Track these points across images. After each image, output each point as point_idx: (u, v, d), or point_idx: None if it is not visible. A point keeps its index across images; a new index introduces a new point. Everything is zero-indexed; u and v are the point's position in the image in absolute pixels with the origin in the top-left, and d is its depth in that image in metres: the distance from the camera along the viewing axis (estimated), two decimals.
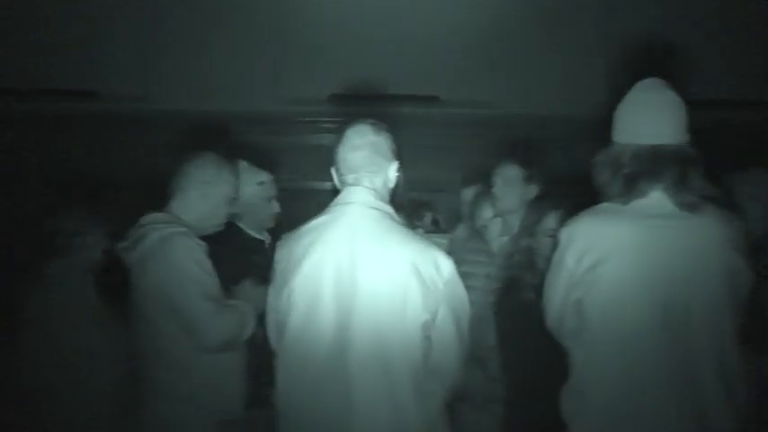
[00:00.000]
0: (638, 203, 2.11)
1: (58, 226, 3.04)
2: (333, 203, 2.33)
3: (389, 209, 2.31)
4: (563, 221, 2.77)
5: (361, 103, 4.99)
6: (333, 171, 2.37)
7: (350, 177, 2.30)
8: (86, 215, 3.09)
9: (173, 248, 2.60)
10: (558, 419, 2.25)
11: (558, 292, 2.20)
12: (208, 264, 2.64)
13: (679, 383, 2.02)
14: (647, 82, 2.20)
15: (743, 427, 2.05)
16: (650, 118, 2.12)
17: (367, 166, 2.29)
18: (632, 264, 2.05)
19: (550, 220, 2.89)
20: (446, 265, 2.23)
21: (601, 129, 4.47)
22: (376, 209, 2.27)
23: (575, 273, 2.13)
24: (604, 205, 2.18)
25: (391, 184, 2.36)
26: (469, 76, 5.14)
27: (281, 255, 2.32)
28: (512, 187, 3.25)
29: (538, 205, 2.98)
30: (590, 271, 2.09)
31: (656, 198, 2.10)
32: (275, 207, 3.16)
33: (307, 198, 3.47)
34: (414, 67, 5.07)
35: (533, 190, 3.25)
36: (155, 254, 2.60)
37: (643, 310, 2.04)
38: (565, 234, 2.19)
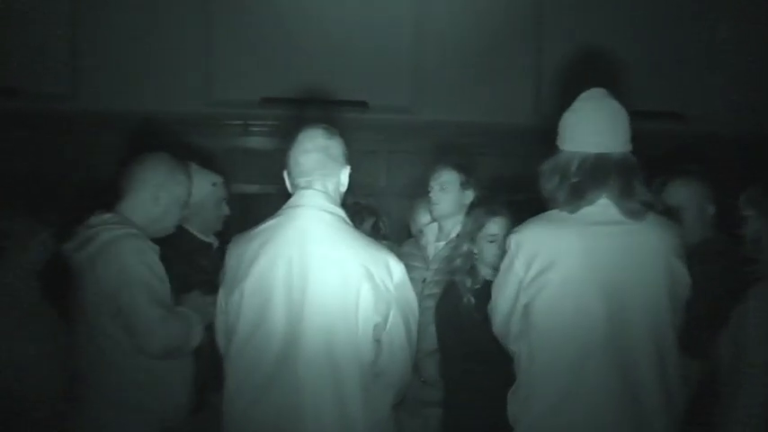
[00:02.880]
0: (585, 211, 2.14)
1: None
2: (284, 206, 2.32)
3: (341, 212, 2.31)
4: (505, 227, 2.83)
5: (292, 107, 5.01)
6: (285, 174, 2.36)
7: (302, 181, 2.30)
8: (27, 215, 3.00)
9: (123, 250, 2.53)
10: (496, 424, 2.29)
11: (507, 298, 2.23)
12: (159, 268, 2.58)
13: (621, 386, 2.07)
14: (593, 92, 2.24)
15: (678, 428, 2.12)
16: (596, 127, 2.17)
17: (319, 169, 2.29)
18: (578, 268, 2.09)
19: (492, 226, 2.93)
20: (397, 269, 2.25)
21: (528, 137, 4.66)
22: (328, 212, 2.27)
23: (524, 278, 2.16)
24: (552, 213, 2.21)
25: (343, 188, 2.37)
26: (398, 82, 5.20)
27: (232, 257, 2.30)
28: (448, 192, 3.28)
29: (479, 211, 3.01)
30: (538, 276, 2.12)
31: (603, 205, 2.14)
32: (225, 209, 3.12)
33: (235, 201, 3.45)
34: (344, 73, 5.09)
35: (469, 195, 3.29)
36: (104, 255, 2.52)
37: (588, 313, 2.08)
38: (514, 240, 2.22)
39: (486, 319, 2.65)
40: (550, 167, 2.22)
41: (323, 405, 2.14)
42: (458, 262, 2.95)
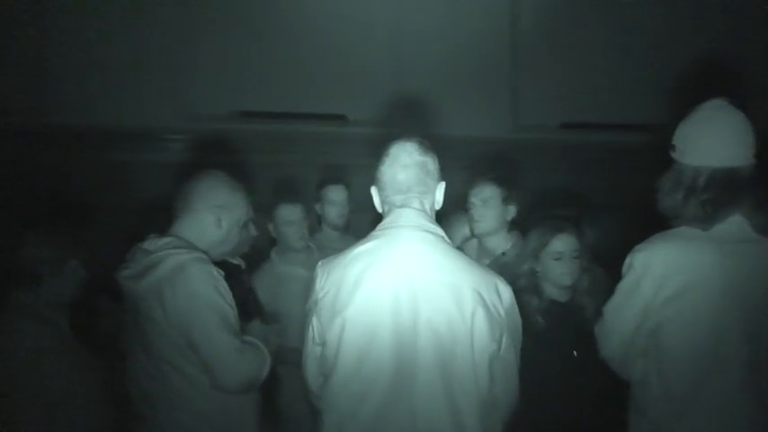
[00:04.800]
0: (719, 229, 2.06)
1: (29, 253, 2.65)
2: (381, 226, 2.17)
3: (442, 232, 2.16)
4: (570, 244, 2.74)
5: (268, 121, 4.95)
6: (374, 191, 2.22)
7: (398, 199, 2.15)
8: (56, 240, 2.69)
9: (194, 277, 2.33)
10: None
11: (629, 320, 2.14)
12: (229, 295, 2.40)
13: (756, 407, 2.01)
14: (717, 102, 2.14)
15: None
16: (725, 140, 2.07)
17: (416, 186, 2.14)
18: (717, 290, 2.01)
19: (557, 243, 2.80)
20: (506, 292, 2.12)
21: (508, 150, 4.65)
22: (431, 232, 2.12)
23: (652, 300, 2.07)
24: (681, 230, 2.12)
25: (438, 206, 2.23)
26: (377, 95, 5.17)
27: (328, 283, 2.10)
28: (491, 208, 3.17)
29: (542, 227, 2.86)
30: (673, 299, 2.04)
31: (737, 223, 2.06)
32: (252, 230, 2.87)
33: None
34: (322, 86, 5.01)
35: (512, 211, 3.19)
36: (172, 282, 2.32)
37: (727, 336, 2.01)
38: (640, 260, 2.12)
39: (556, 341, 2.64)
40: (673, 182, 2.13)
41: None
42: (521, 282, 2.79)
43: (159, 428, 2.38)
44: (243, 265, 2.87)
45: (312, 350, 2.14)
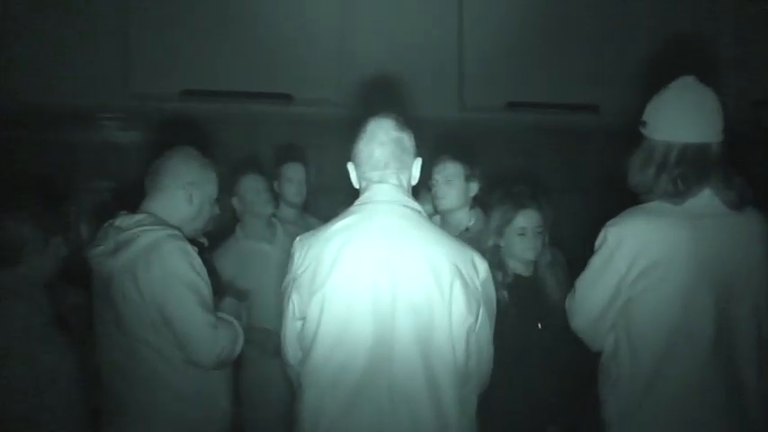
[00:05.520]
0: (691, 203, 2.09)
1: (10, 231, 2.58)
2: (359, 202, 2.18)
3: (420, 207, 2.19)
4: (534, 219, 2.81)
5: (212, 100, 4.86)
6: (351, 167, 2.22)
7: (375, 174, 2.17)
8: (37, 219, 2.62)
9: (168, 253, 2.32)
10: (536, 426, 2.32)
11: (602, 293, 2.15)
12: (203, 271, 2.40)
13: (724, 377, 2.06)
14: (688, 80, 2.18)
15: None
16: (698, 116, 2.11)
17: (393, 162, 2.16)
18: (690, 263, 2.05)
19: (522, 219, 2.85)
20: (482, 266, 2.15)
21: (453, 129, 4.67)
22: (408, 207, 2.14)
23: (626, 274, 2.09)
24: (653, 205, 2.14)
25: (414, 182, 2.25)
26: (323, 74, 5.12)
27: (307, 259, 2.10)
28: (454, 186, 3.20)
29: (506, 204, 2.91)
30: (646, 272, 2.07)
31: (707, 197, 2.10)
32: (215, 209, 2.84)
33: None
34: (268, 65, 4.93)
35: (474, 188, 3.23)
36: (146, 259, 2.31)
37: (699, 308, 2.05)
38: (613, 234, 2.14)
39: (522, 315, 2.69)
40: (643, 158, 2.16)
41: (420, 412, 2.01)
42: (486, 257, 2.77)
43: (135, 406, 2.38)
44: (206, 242, 2.84)
45: (292, 325, 2.14)
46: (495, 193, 3.02)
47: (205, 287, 2.37)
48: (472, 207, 3.28)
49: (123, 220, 2.42)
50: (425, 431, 2.01)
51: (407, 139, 2.19)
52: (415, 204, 2.17)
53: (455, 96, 5.26)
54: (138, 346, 2.34)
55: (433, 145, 4.90)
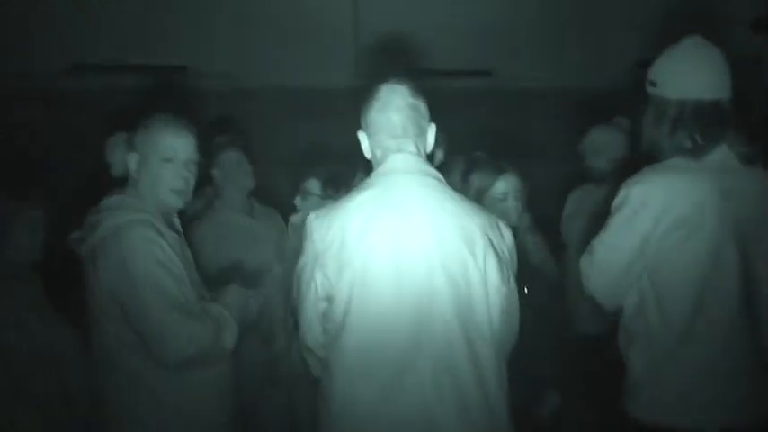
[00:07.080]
0: (709, 159, 2.11)
1: None
2: (378, 173, 2.09)
3: (440, 176, 2.12)
4: (513, 183, 2.87)
5: (107, 75, 4.80)
6: (362, 136, 2.15)
7: (393, 143, 2.09)
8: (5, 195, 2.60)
9: (126, 243, 2.15)
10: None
11: (626, 253, 2.12)
12: (172, 260, 2.22)
13: (746, 328, 2.11)
14: (697, 39, 2.19)
15: None
16: (710, 72, 2.13)
17: (412, 128, 2.09)
18: (715, 219, 2.06)
19: (501, 184, 2.86)
20: (507, 233, 2.12)
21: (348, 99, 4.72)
22: (432, 176, 2.08)
23: (653, 232, 2.09)
24: (673, 161, 2.14)
25: (429, 149, 2.18)
26: (220, 46, 5.09)
27: (329, 235, 1.99)
28: None
29: (485, 170, 2.90)
30: (673, 229, 2.07)
31: (723, 152, 2.13)
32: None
33: None
34: (162, 36, 4.81)
35: (439, 155, 3.18)
36: (105, 247, 2.17)
37: (725, 263, 2.08)
38: (637, 192, 2.11)
39: None
40: (656, 116, 2.17)
41: (466, 388, 1.96)
42: None
43: (112, 406, 2.27)
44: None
45: (315, 306, 2.04)
46: (468, 158, 3.05)
47: (169, 281, 2.18)
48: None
49: (104, 202, 2.30)
50: (473, 408, 1.96)
51: (422, 105, 2.13)
52: (438, 174, 2.11)
53: (350, 65, 5.28)
54: (107, 340, 2.21)
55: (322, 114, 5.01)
